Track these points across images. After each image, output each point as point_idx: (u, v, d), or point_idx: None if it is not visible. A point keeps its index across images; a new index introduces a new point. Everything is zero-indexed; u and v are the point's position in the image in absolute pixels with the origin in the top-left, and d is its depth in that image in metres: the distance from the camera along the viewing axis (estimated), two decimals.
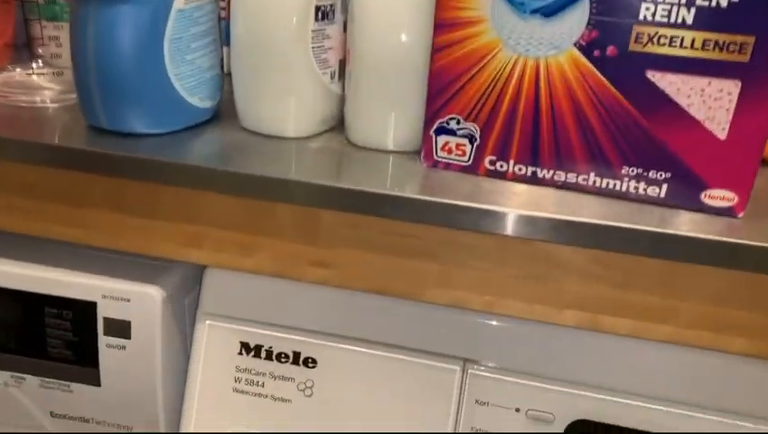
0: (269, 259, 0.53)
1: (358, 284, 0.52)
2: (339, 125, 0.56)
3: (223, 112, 0.58)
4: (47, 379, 0.60)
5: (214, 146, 0.53)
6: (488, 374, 0.55)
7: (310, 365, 0.57)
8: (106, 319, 0.57)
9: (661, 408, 0.52)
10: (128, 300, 0.57)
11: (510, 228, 0.44)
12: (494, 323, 0.54)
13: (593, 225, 0.43)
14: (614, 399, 0.53)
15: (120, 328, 0.57)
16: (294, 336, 0.57)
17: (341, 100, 0.55)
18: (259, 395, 0.58)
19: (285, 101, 0.52)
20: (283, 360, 0.58)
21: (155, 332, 0.57)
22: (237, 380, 0.59)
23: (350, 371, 0.57)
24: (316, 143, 0.53)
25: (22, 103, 0.58)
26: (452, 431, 0.55)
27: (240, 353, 0.58)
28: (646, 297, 0.48)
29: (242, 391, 0.59)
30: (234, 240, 0.53)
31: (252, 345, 0.58)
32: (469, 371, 0.55)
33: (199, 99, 0.53)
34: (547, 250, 0.48)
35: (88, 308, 0.57)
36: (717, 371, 0.51)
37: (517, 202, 0.45)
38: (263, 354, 0.58)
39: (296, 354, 0.58)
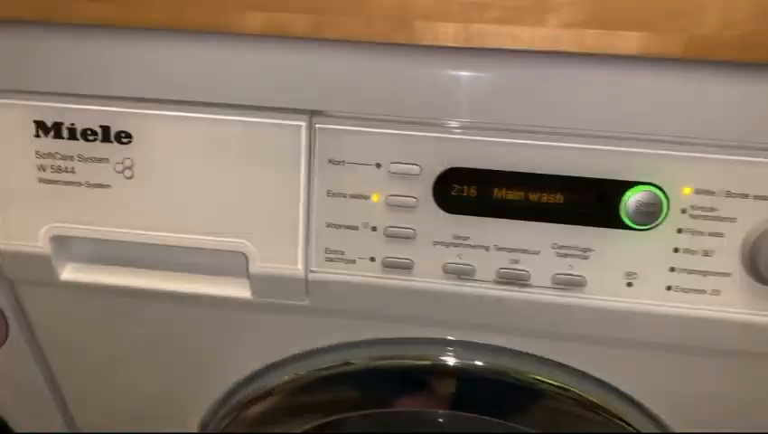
0: None
1: (144, 15, 0.38)
2: None
3: None
4: None
5: None
6: (339, 127, 0.43)
7: (124, 141, 0.44)
8: None
9: (547, 143, 0.41)
10: None
11: None
12: (341, 60, 0.41)
13: None
14: (488, 138, 0.42)
15: None
16: (98, 107, 0.43)
17: None
18: (71, 183, 0.45)
19: None
20: (90, 138, 0.44)
21: None
22: (41, 168, 0.45)
23: (173, 141, 0.44)
24: None
25: None
26: (305, 198, 0.44)
27: (38, 135, 0.44)
28: None
29: (50, 181, 0.45)
30: None
31: (50, 123, 0.44)
32: (316, 125, 0.43)
33: None
34: None
35: None
36: (610, 86, 0.40)
37: None
38: (65, 133, 0.44)
39: (105, 129, 0.44)
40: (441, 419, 0.61)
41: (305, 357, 0.53)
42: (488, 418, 0.53)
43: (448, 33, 0.36)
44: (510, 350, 0.50)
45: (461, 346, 0.50)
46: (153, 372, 0.56)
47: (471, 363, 0.50)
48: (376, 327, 0.49)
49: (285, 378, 0.54)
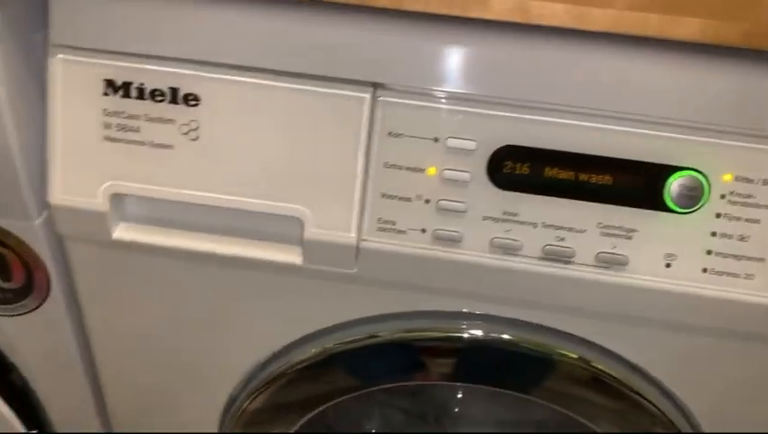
0: None
1: None
2: None
3: None
4: None
5: None
6: (401, 100, 0.44)
7: (191, 103, 0.45)
8: None
9: (600, 125, 0.43)
10: None
11: None
12: (409, 35, 0.43)
13: None
14: (544, 118, 0.44)
15: None
16: (169, 68, 0.45)
17: None
18: (135, 142, 0.46)
19: None
20: (158, 98, 0.46)
21: None
22: (107, 126, 0.46)
23: (240, 106, 0.45)
24: None
25: None
26: (363, 168, 0.46)
27: (106, 94, 0.46)
28: None
29: (115, 139, 0.47)
30: None
31: (119, 83, 0.45)
32: (380, 98, 0.45)
33: None
34: None
35: None
36: (663, 73, 0.42)
37: None
38: (133, 93, 0.46)
39: (174, 91, 0.45)
40: (460, 395, 0.63)
41: (341, 328, 0.54)
42: (509, 391, 0.55)
43: (514, 8, 0.38)
44: (541, 325, 0.52)
45: (492, 321, 0.52)
46: (189, 339, 0.56)
47: (498, 337, 0.52)
48: (419, 300, 0.51)
49: (313, 351, 0.55)
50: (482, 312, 0.52)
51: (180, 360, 0.58)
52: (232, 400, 0.60)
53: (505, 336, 0.52)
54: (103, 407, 0.64)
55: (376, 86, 0.44)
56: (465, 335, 0.52)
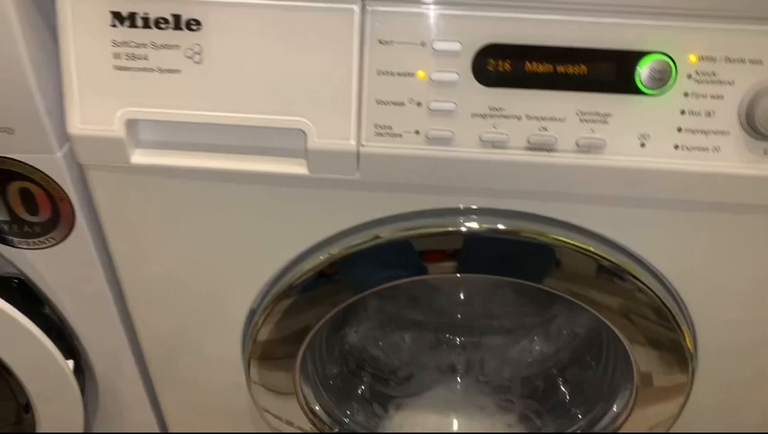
0: None
1: None
2: None
3: None
4: None
5: None
6: (388, 9, 0.48)
7: (194, 28, 0.49)
8: None
9: (573, 18, 0.47)
10: None
11: None
12: None
13: None
14: (522, 15, 0.47)
15: None
16: None
17: None
18: (144, 69, 0.50)
19: None
20: (163, 26, 0.49)
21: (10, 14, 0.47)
22: (116, 56, 0.50)
23: (239, 28, 0.49)
24: None
25: None
26: (357, 77, 0.49)
27: (114, 25, 0.49)
28: None
29: (125, 68, 0.50)
30: None
31: (125, 14, 0.49)
32: (368, 8, 0.48)
33: None
34: None
35: None
36: None
37: None
38: (139, 23, 0.49)
39: (176, 17, 0.49)
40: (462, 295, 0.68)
41: (344, 236, 0.58)
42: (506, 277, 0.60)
43: None
44: (529, 213, 0.56)
45: (487, 213, 0.56)
46: (208, 257, 0.61)
47: (494, 227, 0.56)
48: (418, 200, 0.55)
49: (321, 258, 0.59)
50: (477, 206, 0.56)
51: (202, 280, 0.62)
52: (252, 314, 0.65)
53: (500, 226, 0.56)
54: (134, 335, 0.68)
55: None
56: (462, 229, 0.57)
